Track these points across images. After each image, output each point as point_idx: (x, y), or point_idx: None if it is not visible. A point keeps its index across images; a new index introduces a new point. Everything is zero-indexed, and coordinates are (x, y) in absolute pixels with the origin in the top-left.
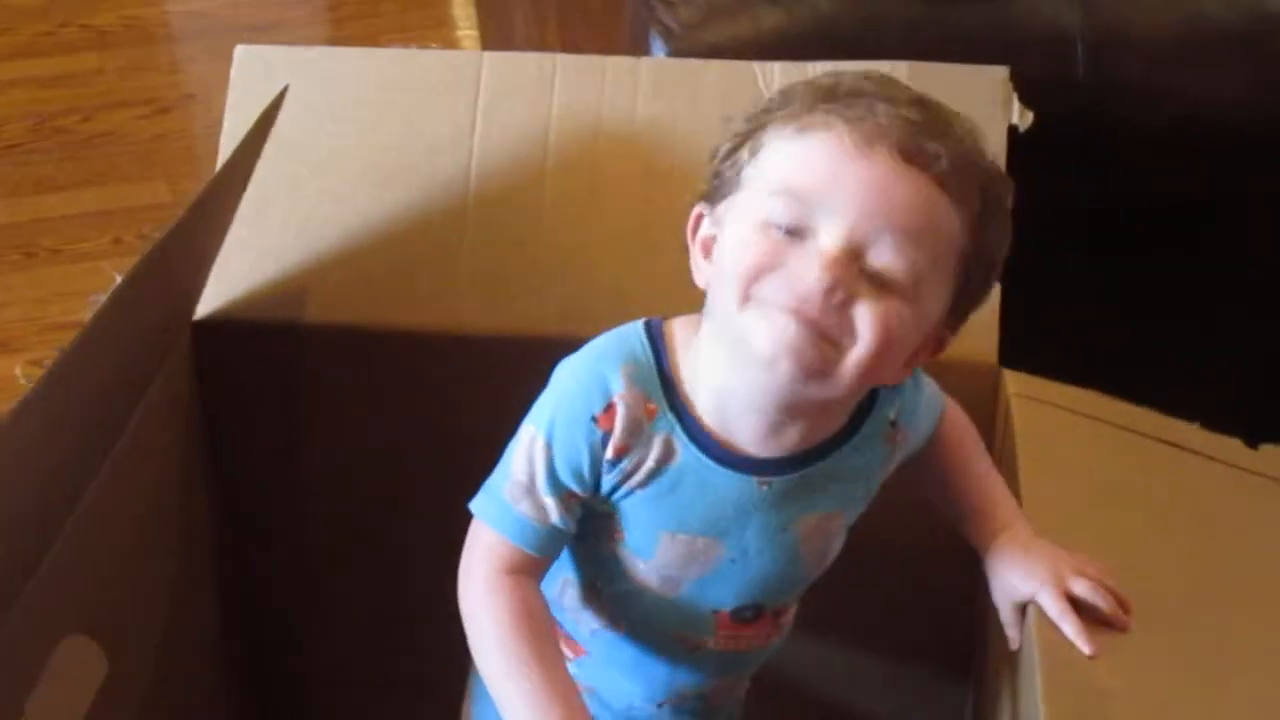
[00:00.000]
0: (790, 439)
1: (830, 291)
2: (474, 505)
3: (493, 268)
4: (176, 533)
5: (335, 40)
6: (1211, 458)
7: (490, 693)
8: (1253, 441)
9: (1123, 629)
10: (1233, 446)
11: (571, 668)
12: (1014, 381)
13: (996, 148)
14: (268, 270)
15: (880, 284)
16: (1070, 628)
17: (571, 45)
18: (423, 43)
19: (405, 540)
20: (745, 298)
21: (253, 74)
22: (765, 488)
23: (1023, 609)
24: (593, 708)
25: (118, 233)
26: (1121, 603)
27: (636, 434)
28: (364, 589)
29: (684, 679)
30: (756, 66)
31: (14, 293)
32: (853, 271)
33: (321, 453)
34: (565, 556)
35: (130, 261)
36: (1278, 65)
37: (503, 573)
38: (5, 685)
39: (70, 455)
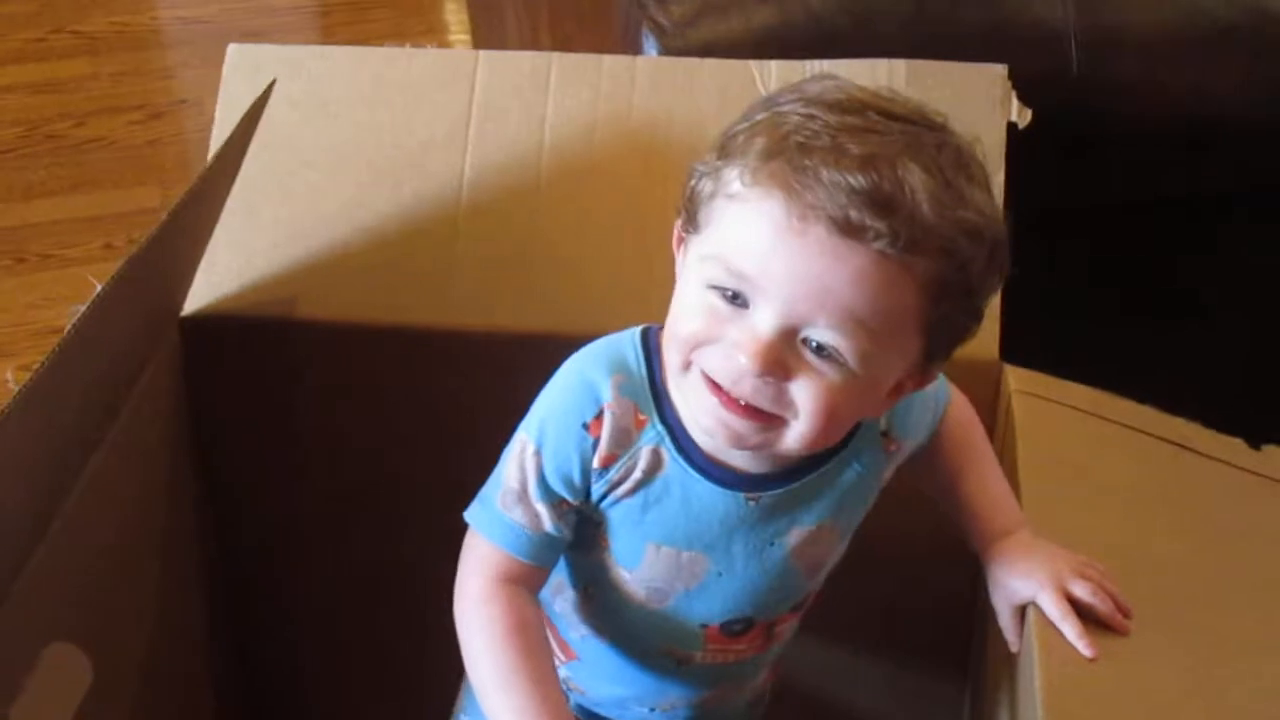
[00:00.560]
0: (778, 456)
1: (762, 375)
2: (468, 514)
3: (486, 265)
4: (164, 532)
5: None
6: (1213, 457)
7: (480, 704)
8: (1255, 442)
9: (1122, 632)
10: (1235, 446)
11: (563, 670)
12: (1015, 377)
13: (995, 146)
14: (258, 267)
15: (821, 356)
16: (1071, 630)
17: (564, 47)
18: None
19: (396, 538)
20: (686, 364)
21: (245, 73)
22: (753, 503)
23: (1022, 612)
24: (584, 710)
25: (109, 238)
26: (1120, 606)
27: (625, 444)
28: (355, 587)
29: (674, 690)
30: (753, 65)
31: (5, 298)
32: (789, 350)
33: (311, 450)
34: (562, 562)
35: None
36: (1273, 61)
37: (497, 582)
38: None
39: (56, 455)
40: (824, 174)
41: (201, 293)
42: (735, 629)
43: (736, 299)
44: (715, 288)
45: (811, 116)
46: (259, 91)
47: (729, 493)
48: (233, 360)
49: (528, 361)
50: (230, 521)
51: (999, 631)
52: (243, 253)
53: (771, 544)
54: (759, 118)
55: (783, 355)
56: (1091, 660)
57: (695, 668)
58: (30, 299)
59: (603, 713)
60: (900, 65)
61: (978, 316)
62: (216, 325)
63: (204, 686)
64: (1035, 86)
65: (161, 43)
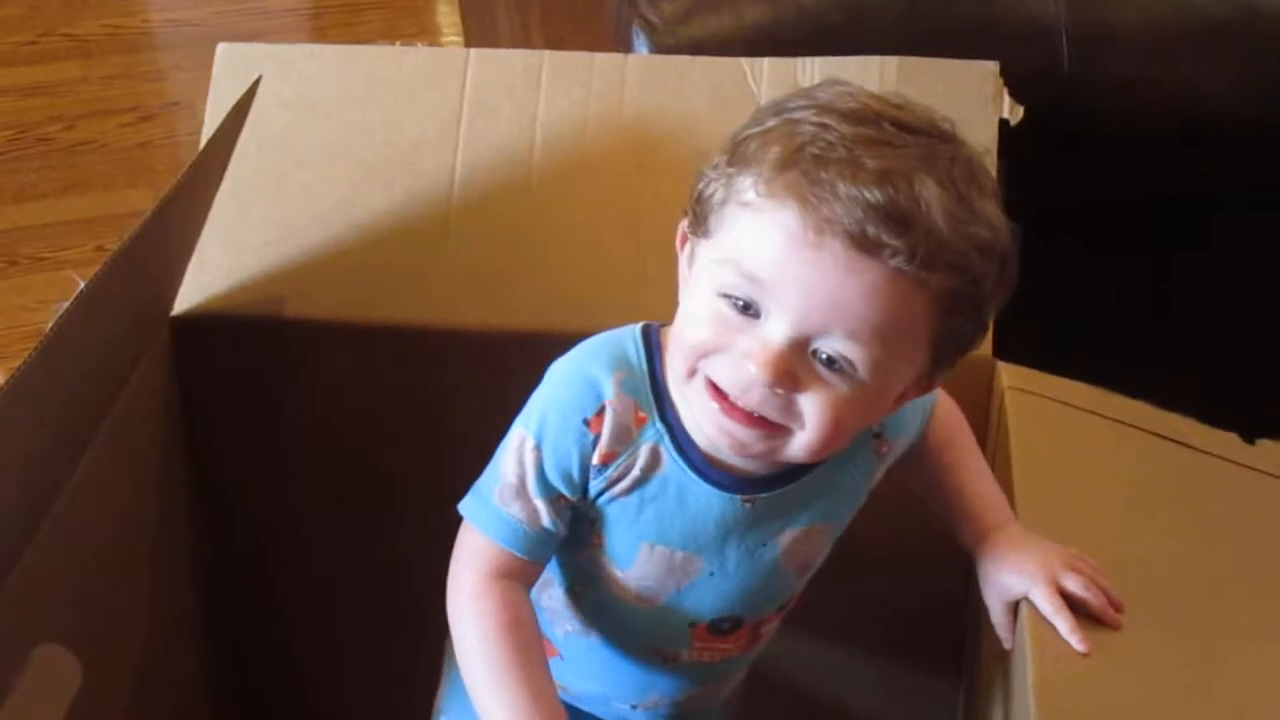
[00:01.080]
0: (778, 461)
1: (772, 386)
2: (463, 508)
3: (477, 263)
4: (156, 532)
5: None
6: (1208, 452)
7: (471, 698)
8: (1249, 436)
9: (1114, 626)
10: (1229, 441)
11: None
12: (1008, 374)
13: (987, 143)
14: (249, 266)
15: (832, 368)
16: (1064, 624)
17: (556, 46)
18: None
19: (389, 537)
20: (691, 371)
21: (235, 73)
22: (749, 506)
23: (1014, 609)
24: (567, 706)
25: (101, 240)
26: (1113, 600)
27: (625, 441)
28: (348, 586)
29: (658, 688)
30: (745, 63)
31: None
32: (800, 361)
33: (303, 450)
34: (555, 568)
35: None
36: (1265, 57)
37: (491, 577)
38: None
39: (45, 455)
40: (840, 188)
41: (192, 292)
42: (723, 628)
43: (748, 309)
44: (726, 296)
45: (825, 126)
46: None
47: (726, 495)
48: (224, 359)
49: (519, 360)
50: (223, 521)
51: (992, 628)
52: (233, 251)
53: (764, 545)
54: (770, 124)
55: (793, 366)
56: (1085, 655)
57: (681, 665)
58: (22, 301)
59: (584, 708)
60: (892, 62)
61: (985, 328)
62: (207, 324)
63: (197, 686)
64: (1026, 83)
65: (153, 45)
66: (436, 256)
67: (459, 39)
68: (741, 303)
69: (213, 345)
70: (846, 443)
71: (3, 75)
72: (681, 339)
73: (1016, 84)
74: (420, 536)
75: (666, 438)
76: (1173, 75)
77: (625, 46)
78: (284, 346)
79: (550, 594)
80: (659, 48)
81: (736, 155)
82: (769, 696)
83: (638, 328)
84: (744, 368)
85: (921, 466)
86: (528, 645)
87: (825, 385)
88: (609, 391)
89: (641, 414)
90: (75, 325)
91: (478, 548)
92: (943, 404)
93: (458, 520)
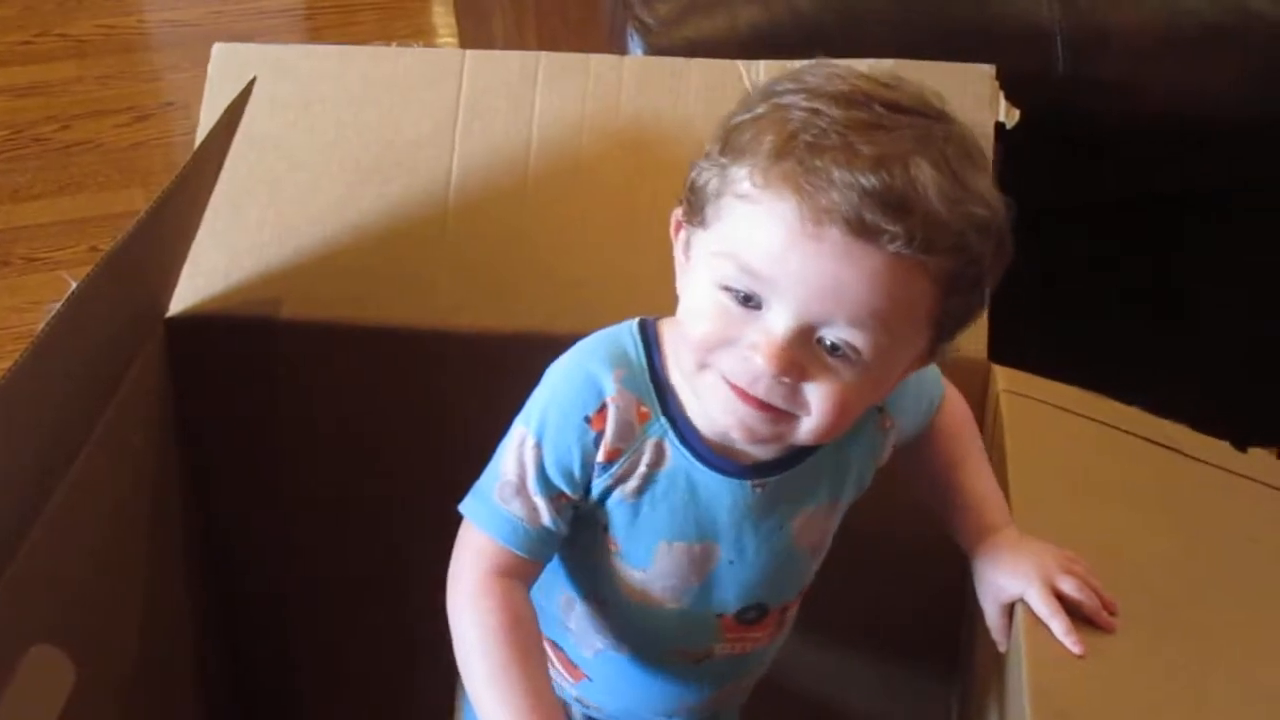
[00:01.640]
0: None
1: (779, 376)
2: (464, 507)
3: (473, 264)
4: (151, 533)
5: None
6: (1199, 459)
7: (470, 697)
8: (1241, 444)
9: (1108, 629)
10: (1221, 448)
11: (574, 691)
12: (1003, 377)
13: (983, 144)
14: (244, 267)
15: (836, 355)
16: (1059, 626)
17: (550, 48)
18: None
19: (384, 536)
20: (701, 364)
21: (230, 73)
22: (760, 490)
23: (1009, 611)
24: None
25: (95, 241)
26: (1106, 603)
27: (628, 437)
28: (344, 586)
29: (690, 694)
30: (740, 65)
31: None
32: (804, 350)
33: (298, 450)
34: (567, 574)
35: None
36: (1258, 59)
37: (492, 576)
38: None
39: (38, 456)
40: (836, 175)
41: (187, 293)
42: (749, 617)
43: (749, 300)
44: (728, 289)
45: (817, 111)
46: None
47: (735, 481)
48: (219, 360)
49: (515, 361)
50: (218, 522)
51: (988, 630)
52: (228, 252)
53: (779, 529)
54: (760, 110)
55: (798, 356)
56: (1080, 657)
57: (713, 663)
58: (15, 302)
59: None
60: (887, 64)
61: (984, 302)
62: (202, 325)
63: (194, 687)
64: (1022, 86)
65: (148, 45)
66: (433, 257)
67: (453, 40)
68: (743, 295)
69: (208, 346)
70: (851, 425)
71: None
72: (688, 334)
73: (1012, 87)
74: (416, 536)
75: (670, 432)
76: (1167, 77)
77: (620, 48)
78: (279, 347)
79: (575, 614)
80: (653, 49)
81: (730, 145)
82: (765, 697)
83: (634, 323)
84: (751, 359)
85: (924, 460)
86: (528, 645)
87: (830, 372)
88: (610, 388)
89: (644, 409)
90: (68, 326)
91: (478, 546)
92: (951, 400)
93: (453, 520)
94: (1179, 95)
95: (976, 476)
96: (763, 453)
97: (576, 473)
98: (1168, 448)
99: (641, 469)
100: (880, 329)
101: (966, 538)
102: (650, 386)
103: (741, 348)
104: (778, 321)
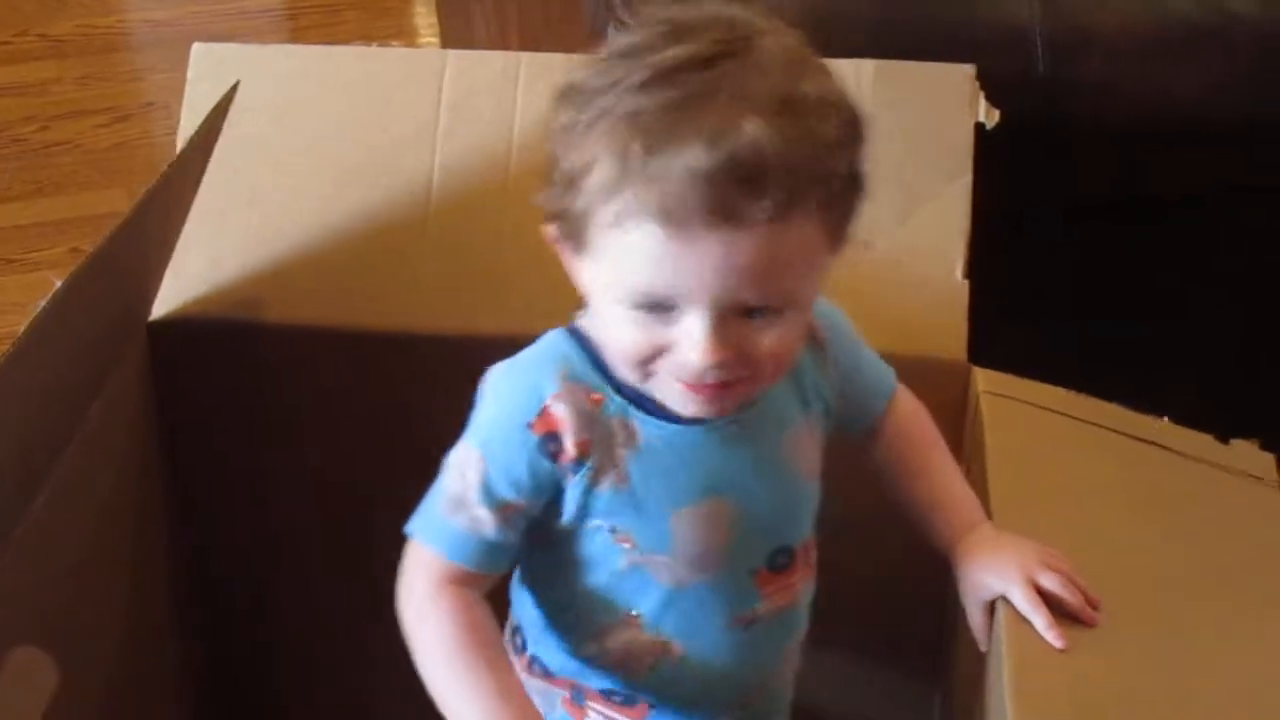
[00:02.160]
0: None
1: (717, 366)
2: (409, 527)
3: (455, 267)
4: (133, 537)
5: None
6: (1182, 454)
7: (437, 703)
8: (1223, 437)
9: (1091, 624)
10: (1204, 442)
11: None
12: (983, 379)
13: (963, 146)
14: (226, 270)
15: (762, 316)
16: (1041, 621)
17: (532, 49)
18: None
19: (367, 541)
20: (644, 374)
21: (210, 73)
22: (735, 426)
23: (990, 609)
24: None
25: (75, 242)
26: (1089, 599)
27: (591, 424)
28: (328, 589)
29: (748, 670)
30: None
31: None
32: (732, 329)
33: (280, 454)
34: (602, 607)
35: None
36: (1240, 60)
37: (442, 584)
38: None
39: (19, 459)
40: (678, 172)
41: (169, 296)
42: (780, 563)
43: (662, 308)
44: (636, 307)
45: (635, 114)
46: (225, 91)
47: (710, 425)
48: (201, 364)
49: (495, 362)
50: (201, 525)
51: (969, 628)
52: (210, 255)
53: (772, 459)
54: (582, 124)
55: (729, 337)
56: (1062, 652)
57: (760, 626)
58: None
59: None
60: (868, 65)
61: (863, 184)
62: (185, 329)
63: (177, 688)
64: (1003, 87)
65: (129, 46)
66: (415, 259)
67: (435, 40)
68: (652, 307)
69: (190, 349)
70: (801, 349)
71: None
72: (617, 355)
73: (993, 88)
74: (401, 540)
75: (630, 406)
76: (1149, 79)
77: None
78: (262, 350)
79: (614, 638)
80: None
81: (567, 174)
82: None
83: (561, 330)
84: (688, 359)
85: (890, 466)
86: (489, 644)
87: (763, 331)
88: (552, 388)
89: (595, 396)
90: (49, 328)
91: (425, 561)
92: (904, 398)
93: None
94: (1160, 96)
95: (945, 479)
96: None
97: (525, 480)
98: (1150, 443)
99: (619, 450)
100: (788, 279)
101: (943, 538)
102: (596, 374)
103: (675, 353)
104: (695, 323)
